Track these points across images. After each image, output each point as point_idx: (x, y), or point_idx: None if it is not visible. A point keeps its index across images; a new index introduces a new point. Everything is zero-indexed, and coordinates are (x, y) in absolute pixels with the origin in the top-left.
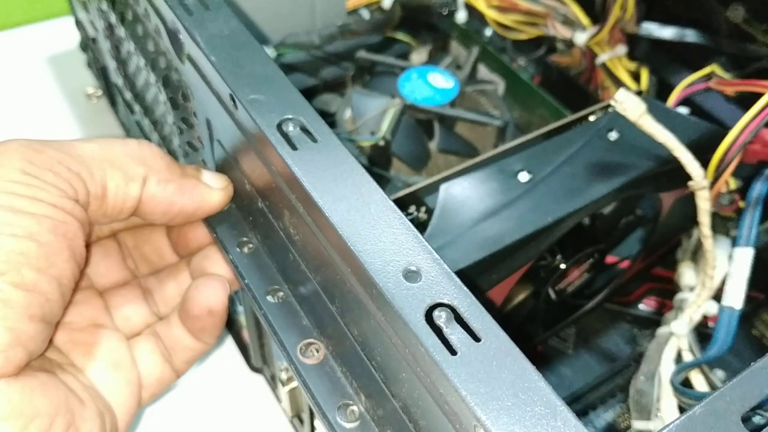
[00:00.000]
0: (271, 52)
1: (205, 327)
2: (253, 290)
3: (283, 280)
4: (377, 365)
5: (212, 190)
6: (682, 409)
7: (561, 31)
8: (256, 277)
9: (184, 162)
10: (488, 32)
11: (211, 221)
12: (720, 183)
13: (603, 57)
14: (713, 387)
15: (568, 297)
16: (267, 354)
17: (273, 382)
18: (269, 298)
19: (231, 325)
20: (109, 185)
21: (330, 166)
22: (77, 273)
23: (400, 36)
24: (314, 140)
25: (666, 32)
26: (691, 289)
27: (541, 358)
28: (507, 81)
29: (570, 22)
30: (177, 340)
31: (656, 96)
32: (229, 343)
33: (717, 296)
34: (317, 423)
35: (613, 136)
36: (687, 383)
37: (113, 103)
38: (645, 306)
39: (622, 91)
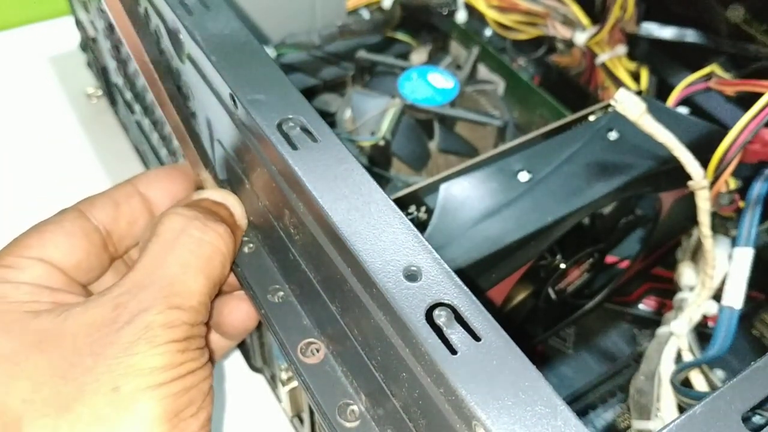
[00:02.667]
0: (271, 52)
1: (239, 335)
2: (254, 290)
3: (284, 279)
4: (377, 365)
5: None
6: (681, 409)
7: (561, 31)
8: (256, 276)
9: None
10: (488, 32)
11: None
12: (720, 183)
13: (603, 57)
14: (713, 387)
15: (568, 297)
16: (267, 354)
17: (273, 381)
18: (270, 297)
19: None
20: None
21: (330, 166)
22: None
23: (400, 36)
24: (314, 140)
25: (666, 32)
26: (691, 288)
27: (541, 358)
28: (507, 81)
29: (570, 22)
30: (211, 342)
31: (656, 96)
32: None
33: (717, 296)
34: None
35: (612, 135)
36: (687, 383)
37: (113, 102)
38: (645, 306)
39: (622, 90)
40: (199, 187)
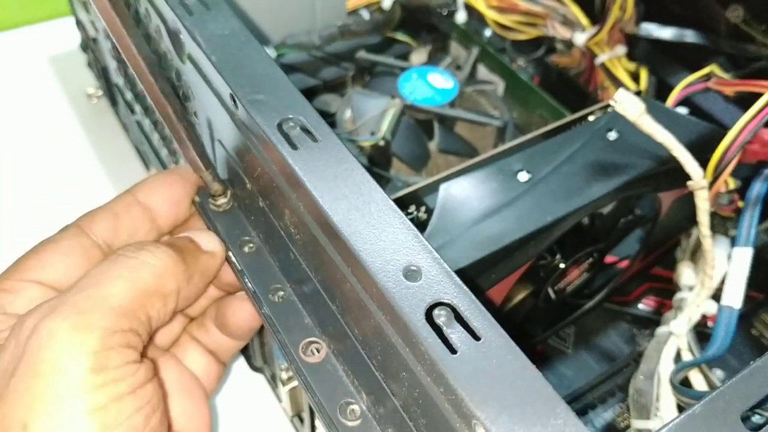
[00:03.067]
0: (271, 52)
1: (245, 335)
2: (255, 290)
3: (285, 279)
4: (377, 364)
5: (214, 257)
6: (681, 409)
7: (560, 32)
8: (257, 276)
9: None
10: (488, 33)
11: (216, 222)
12: (719, 183)
13: (602, 57)
14: (712, 386)
15: (568, 296)
16: (267, 353)
17: (273, 381)
18: (271, 297)
19: None
20: (151, 316)
21: (330, 166)
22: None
23: (400, 36)
24: (315, 140)
25: (665, 32)
26: (691, 288)
27: (541, 358)
28: (506, 81)
29: (569, 23)
30: (219, 344)
31: (655, 96)
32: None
33: (716, 296)
34: (318, 422)
35: (612, 136)
36: (686, 383)
37: (114, 103)
38: (644, 305)
39: (621, 91)
40: (201, 188)
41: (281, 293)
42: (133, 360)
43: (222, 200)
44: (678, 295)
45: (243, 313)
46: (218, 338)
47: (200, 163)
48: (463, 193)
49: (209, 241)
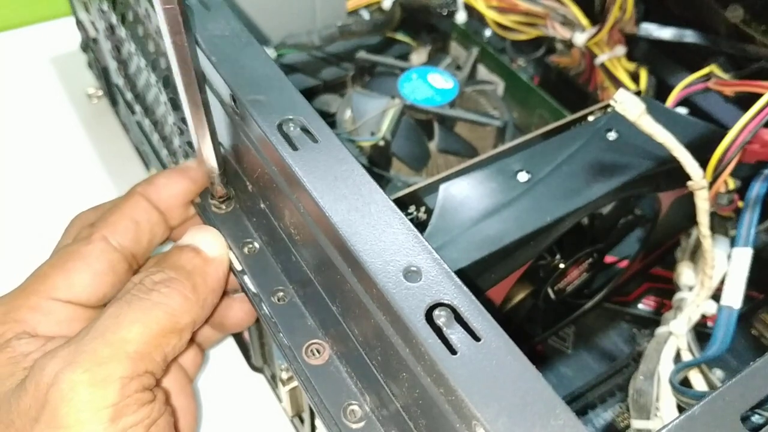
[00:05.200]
0: (271, 52)
1: (237, 330)
2: (257, 292)
3: (287, 280)
4: (378, 365)
5: (222, 265)
6: (681, 409)
7: (560, 32)
8: (259, 278)
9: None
10: (488, 33)
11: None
12: (719, 183)
13: (602, 57)
14: (712, 386)
15: (568, 296)
16: (267, 353)
17: (273, 381)
18: (273, 299)
19: None
20: (167, 354)
21: (330, 167)
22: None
23: (400, 37)
24: (315, 140)
25: (665, 33)
26: (690, 288)
27: (541, 358)
28: (506, 81)
29: (569, 23)
30: (206, 336)
31: (655, 96)
32: (230, 342)
33: (716, 296)
34: (318, 422)
35: (611, 136)
36: (686, 383)
37: (114, 103)
38: (644, 305)
39: (621, 91)
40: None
41: (282, 295)
42: (148, 400)
43: (225, 203)
44: (678, 295)
45: (242, 314)
46: (206, 331)
47: (215, 163)
48: (463, 194)
49: (214, 245)
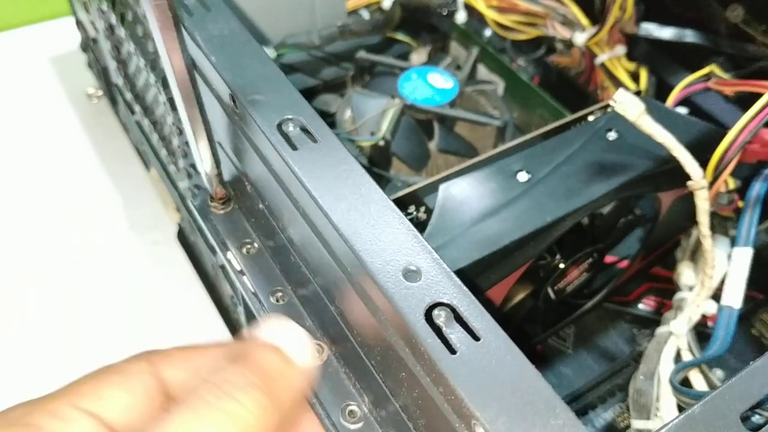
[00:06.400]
0: (271, 52)
1: None
2: (256, 292)
3: (286, 281)
4: (376, 365)
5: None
6: (681, 409)
7: (560, 32)
8: (258, 278)
9: (184, 162)
10: (488, 33)
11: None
12: (719, 183)
13: (602, 57)
14: (712, 386)
15: (568, 296)
16: None
17: None
18: (272, 299)
19: (231, 325)
20: None
21: (330, 166)
22: None
23: (400, 36)
24: (314, 140)
25: (665, 32)
26: (691, 288)
27: (541, 358)
28: (506, 81)
29: (569, 23)
30: None
31: (655, 96)
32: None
33: (716, 296)
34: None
35: (611, 136)
36: (686, 382)
37: (114, 103)
38: (644, 305)
39: (621, 91)
40: (200, 188)
41: (281, 295)
42: None
43: (224, 204)
44: (678, 295)
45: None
46: None
47: (213, 163)
48: (463, 194)
49: (303, 350)
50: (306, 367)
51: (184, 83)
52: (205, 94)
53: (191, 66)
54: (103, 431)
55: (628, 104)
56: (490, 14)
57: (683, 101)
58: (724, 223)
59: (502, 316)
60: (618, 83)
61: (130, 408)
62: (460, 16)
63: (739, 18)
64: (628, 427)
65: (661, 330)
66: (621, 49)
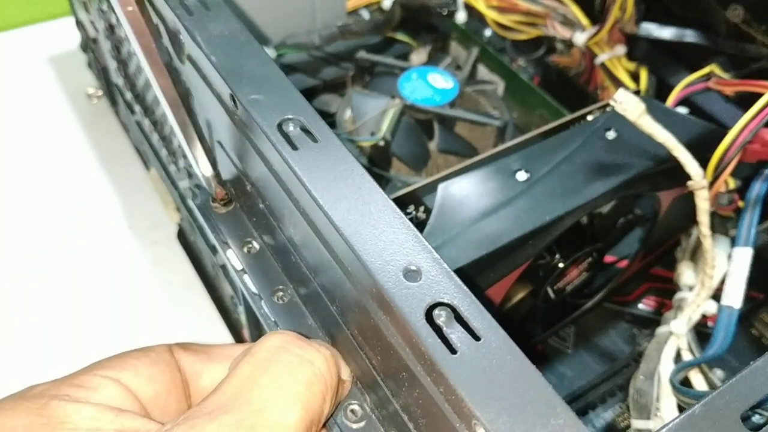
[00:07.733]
0: (271, 52)
1: None
2: (258, 291)
3: (288, 280)
4: (377, 364)
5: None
6: (681, 409)
7: (560, 32)
8: (260, 277)
9: (184, 162)
10: (488, 33)
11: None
12: (719, 182)
13: (602, 57)
14: (712, 386)
15: (567, 296)
16: None
17: None
18: (274, 298)
19: (231, 325)
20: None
21: (330, 166)
22: None
23: (400, 36)
24: (314, 140)
25: (665, 32)
26: (691, 288)
27: (541, 358)
28: (506, 81)
29: (569, 23)
30: None
31: (655, 96)
32: (229, 342)
33: (716, 296)
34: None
35: (611, 135)
36: (686, 382)
37: (114, 103)
38: (644, 305)
39: (621, 91)
40: (201, 188)
41: (282, 294)
42: None
43: (225, 204)
44: (678, 295)
45: None
46: None
47: (209, 165)
48: (462, 193)
49: (344, 368)
50: (347, 380)
51: (167, 88)
52: (206, 93)
53: (173, 70)
54: (129, 396)
55: (628, 104)
56: (490, 14)
57: (683, 101)
58: (724, 223)
59: (502, 316)
60: (618, 83)
61: (154, 380)
62: (460, 16)
63: (739, 18)
64: (628, 427)
65: (661, 330)
66: (621, 49)
